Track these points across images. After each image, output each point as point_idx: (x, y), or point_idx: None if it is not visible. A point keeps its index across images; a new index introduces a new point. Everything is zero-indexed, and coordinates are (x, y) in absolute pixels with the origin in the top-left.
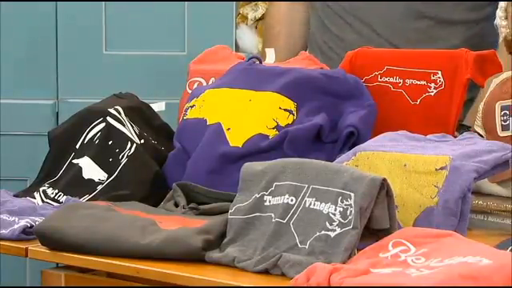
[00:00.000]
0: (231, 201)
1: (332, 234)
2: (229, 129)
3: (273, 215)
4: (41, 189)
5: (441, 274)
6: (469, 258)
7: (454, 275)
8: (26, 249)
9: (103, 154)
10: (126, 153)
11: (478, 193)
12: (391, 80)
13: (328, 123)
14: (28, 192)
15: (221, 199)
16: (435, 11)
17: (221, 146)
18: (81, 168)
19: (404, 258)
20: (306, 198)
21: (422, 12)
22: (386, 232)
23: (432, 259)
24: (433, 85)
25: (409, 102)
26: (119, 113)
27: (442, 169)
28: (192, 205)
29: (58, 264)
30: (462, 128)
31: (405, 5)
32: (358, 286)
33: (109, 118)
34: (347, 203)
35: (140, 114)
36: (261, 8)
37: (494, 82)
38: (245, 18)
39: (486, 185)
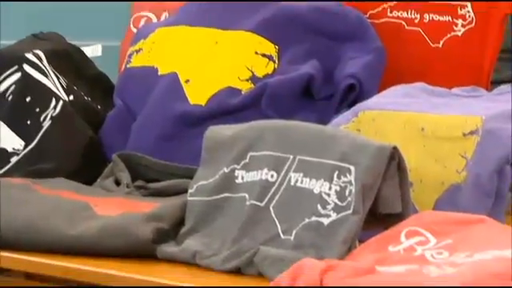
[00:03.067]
0: (191, 177)
1: (325, 221)
2: (188, 81)
3: (247, 196)
4: None
5: (469, 273)
6: (507, 251)
7: (486, 275)
8: None
9: (19, 115)
10: (50, 113)
11: None
12: (404, 15)
13: (320, 73)
14: None
15: (177, 175)
16: None
17: (177, 103)
18: None
19: (421, 251)
20: (290, 174)
21: None
22: (397, 218)
23: (458, 253)
24: (460, 21)
25: (428, 44)
26: (40, 59)
27: (471, 133)
28: (139, 182)
29: None
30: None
31: None
32: None
33: (26, 66)
34: (346, 180)
35: (68, 60)
36: None
37: None
38: None
39: None
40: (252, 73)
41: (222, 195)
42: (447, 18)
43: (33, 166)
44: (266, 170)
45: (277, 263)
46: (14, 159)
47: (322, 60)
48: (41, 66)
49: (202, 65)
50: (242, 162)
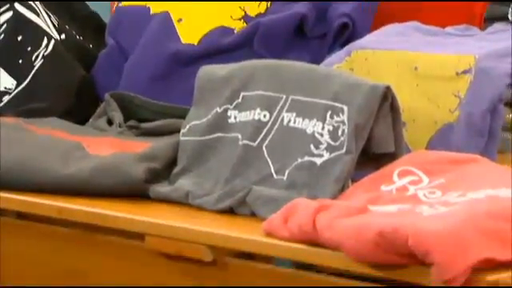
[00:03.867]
0: (184, 117)
1: (318, 161)
2: (180, 20)
3: (240, 136)
4: None
5: (462, 212)
6: (500, 190)
7: (479, 214)
8: None
9: (10, 54)
10: (42, 52)
11: None
12: None
13: (313, 12)
14: None
15: (169, 114)
16: None
17: (169, 42)
18: None
19: (414, 191)
20: (283, 113)
21: None
22: (390, 157)
23: (451, 193)
24: None
25: None
26: None
27: (464, 72)
28: (131, 122)
29: None
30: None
31: None
32: (353, 230)
33: (17, 5)
34: (339, 119)
35: None
36: None
37: None
38: None
39: None
40: (244, 12)
41: (215, 135)
42: None
43: (25, 106)
44: (258, 110)
45: (269, 203)
46: (5, 98)
47: None
48: (32, 4)
49: (194, 4)
50: (235, 102)
